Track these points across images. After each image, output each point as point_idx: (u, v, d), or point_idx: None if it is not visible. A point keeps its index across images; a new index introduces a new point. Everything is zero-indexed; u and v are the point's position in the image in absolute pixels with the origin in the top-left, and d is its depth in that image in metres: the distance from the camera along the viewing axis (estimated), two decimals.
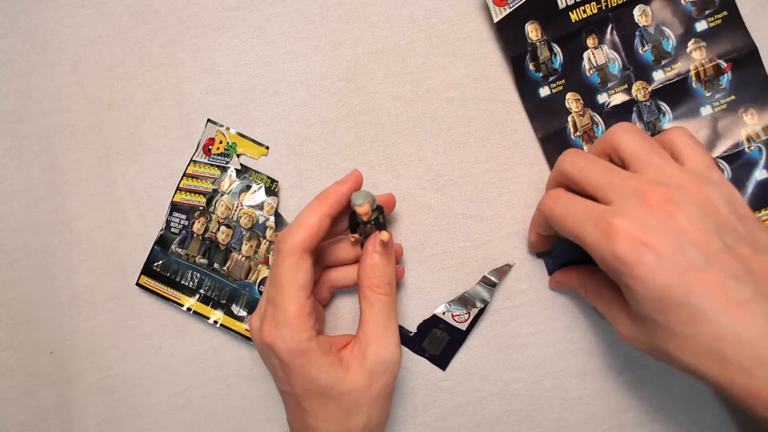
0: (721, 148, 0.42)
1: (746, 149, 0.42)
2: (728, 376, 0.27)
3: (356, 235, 0.37)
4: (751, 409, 0.27)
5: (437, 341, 0.43)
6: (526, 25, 0.43)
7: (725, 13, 0.42)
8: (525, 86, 0.43)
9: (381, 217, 0.36)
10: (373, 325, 0.35)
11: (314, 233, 0.33)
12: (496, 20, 0.43)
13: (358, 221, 0.36)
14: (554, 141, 0.43)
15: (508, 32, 0.43)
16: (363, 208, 0.34)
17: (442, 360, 0.43)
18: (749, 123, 0.42)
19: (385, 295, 0.35)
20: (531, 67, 0.43)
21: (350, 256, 0.40)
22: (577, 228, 0.30)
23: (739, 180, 0.42)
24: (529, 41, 0.43)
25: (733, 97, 0.42)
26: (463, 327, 0.43)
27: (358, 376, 0.34)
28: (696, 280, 0.27)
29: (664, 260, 0.27)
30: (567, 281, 0.40)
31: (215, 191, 0.44)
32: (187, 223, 0.44)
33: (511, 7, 0.43)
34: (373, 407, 0.34)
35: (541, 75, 0.43)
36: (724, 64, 0.42)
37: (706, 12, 0.42)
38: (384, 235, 0.35)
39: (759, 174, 0.42)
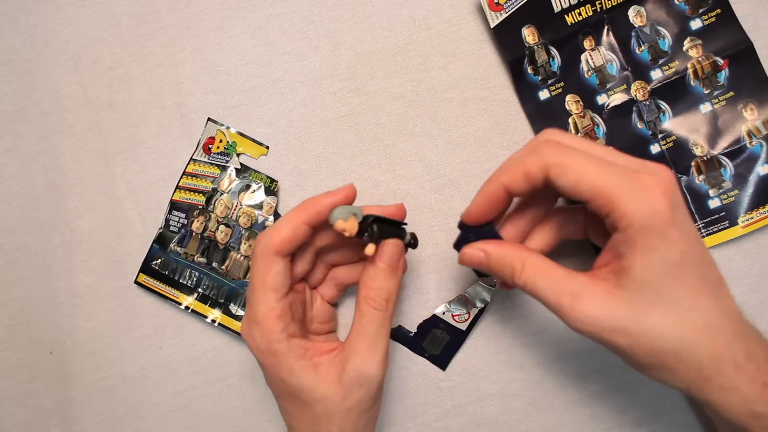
0: (723, 144, 0.42)
1: (747, 145, 0.42)
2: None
3: (371, 246, 0.33)
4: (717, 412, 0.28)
5: (437, 341, 0.43)
6: (523, 29, 0.43)
7: (719, 10, 0.42)
8: (524, 90, 0.44)
9: (374, 228, 0.32)
10: (359, 338, 0.34)
11: (288, 238, 0.33)
12: (492, 25, 0.43)
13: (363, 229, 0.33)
14: None
15: (505, 37, 0.43)
16: (337, 225, 0.31)
17: (442, 360, 0.43)
18: (749, 118, 0.42)
19: (378, 310, 0.34)
20: (529, 70, 0.43)
21: (356, 254, 0.39)
22: (605, 177, 0.28)
23: (741, 176, 0.42)
24: (527, 45, 0.43)
25: (731, 93, 0.42)
26: (463, 327, 0.43)
27: (331, 385, 0.33)
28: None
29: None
30: (497, 254, 0.32)
31: (215, 190, 0.44)
32: (186, 221, 0.44)
33: (507, 12, 0.43)
34: (347, 420, 0.33)
35: (539, 78, 0.43)
36: (720, 61, 0.42)
37: (700, 10, 0.42)
38: (368, 249, 0.32)
39: (762, 169, 0.42)
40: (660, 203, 0.27)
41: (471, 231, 0.34)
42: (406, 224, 0.35)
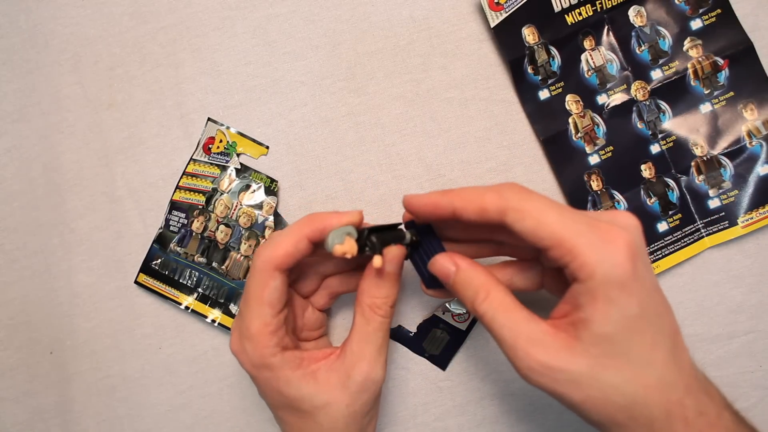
0: (722, 144, 0.42)
1: (747, 145, 0.42)
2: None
3: (378, 257, 0.32)
4: None
5: (437, 341, 0.43)
6: (523, 28, 0.43)
7: (719, 11, 0.42)
8: (524, 89, 0.44)
9: (373, 240, 0.32)
10: (365, 345, 0.33)
11: (288, 253, 0.32)
12: (492, 25, 0.43)
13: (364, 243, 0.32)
14: (556, 143, 0.43)
15: (505, 36, 0.43)
16: (336, 251, 0.30)
17: (442, 360, 0.43)
18: (749, 118, 0.42)
19: (385, 317, 0.34)
20: (529, 70, 0.43)
21: (350, 263, 0.38)
22: (566, 226, 0.28)
23: (741, 176, 0.42)
24: (527, 45, 0.43)
25: (731, 93, 0.42)
26: (463, 327, 0.43)
27: (335, 392, 0.33)
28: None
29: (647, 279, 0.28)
30: (466, 273, 0.32)
31: (215, 190, 0.44)
32: (186, 221, 0.44)
33: (507, 12, 0.43)
34: (352, 424, 0.33)
35: (540, 78, 0.43)
36: (721, 61, 0.42)
37: (700, 10, 0.42)
38: (377, 261, 0.32)
39: (761, 169, 0.42)
40: (621, 255, 0.27)
41: (423, 241, 0.34)
42: (400, 224, 0.35)
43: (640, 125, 0.43)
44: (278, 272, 0.32)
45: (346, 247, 0.30)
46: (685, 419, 0.27)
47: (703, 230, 0.42)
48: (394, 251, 0.33)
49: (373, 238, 0.32)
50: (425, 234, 0.35)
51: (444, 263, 0.32)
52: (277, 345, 0.33)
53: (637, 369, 0.27)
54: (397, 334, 0.43)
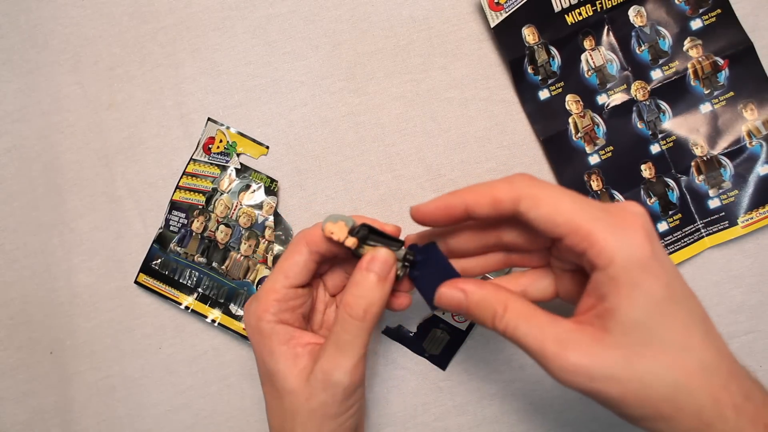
0: (722, 144, 0.42)
1: (747, 145, 0.42)
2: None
3: (354, 240, 0.32)
4: None
5: (437, 341, 0.43)
6: (523, 28, 0.43)
7: (719, 11, 0.42)
8: (524, 89, 0.44)
9: (359, 230, 0.32)
10: (330, 341, 0.32)
11: (328, 247, 0.33)
12: (492, 25, 0.43)
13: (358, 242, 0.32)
14: (556, 143, 0.43)
15: (505, 36, 0.43)
16: (326, 228, 0.31)
17: (442, 360, 0.43)
18: (749, 118, 0.42)
19: (354, 318, 0.31)
20: (529, 70, 0.43)
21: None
22: (580, 212, 0.27)
23: (741, 176, 0.42)
24: (527, 45, 0.43)
25: (731, 93, 0.42)
26: (463, 327, 0.43)
27: (300, 381, 0.32)
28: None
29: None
30: (477, 295, 0.30)
31: (215, 190, 0.44)
32: (186, 221, 0.44)
33: (507, 12, 0.43)
34: (309, 423, 0.32)
35: (539, 78, 0.43)
36: (721, 61, 0.42)
37: (700, 10, 0.42)
38: (350, 241, 0.31)
39: (761, 169, 0.42)
40: (639, 236, 0.26)
41: (427, 261, 0.33)
42: (402, 242, 0.33)
43: (640, 125, 0.43)
44: (306, 248, 0.33)
45: (335, 228, 0.31)
46: (734, 405, 0.26)
47: (703, 230, 0.42)
48: (381, 252, 0.32)
49: (363, 231, 0.32)
50: (429, 254, 0.33)
51: (450, 294, 0.31)
52: (275, 314, 0.33)
53: (674, 354, 0.26)
54: (397, 334, 0.43)
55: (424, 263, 0.33)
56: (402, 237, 0.34)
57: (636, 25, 0.43)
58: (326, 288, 0.37)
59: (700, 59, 0.42)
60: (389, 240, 0.33)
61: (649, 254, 0.26)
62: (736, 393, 0.26)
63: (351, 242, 0.31)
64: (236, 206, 0.44)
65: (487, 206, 0.29)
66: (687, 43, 0.43)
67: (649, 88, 0.43)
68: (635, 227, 0.26)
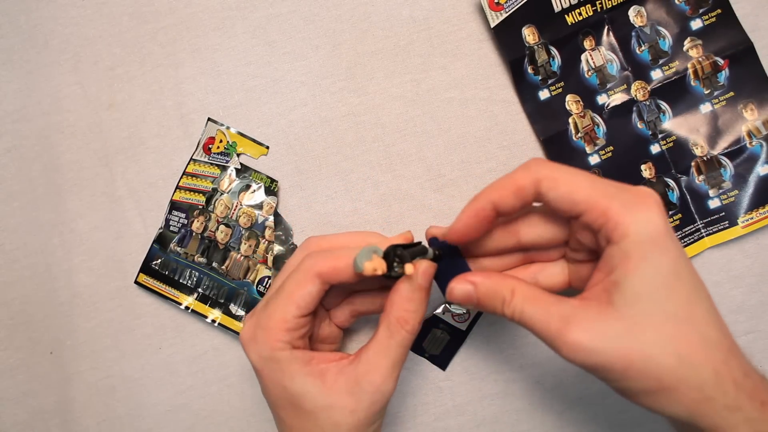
0: (723, 144, 0.42)
1: (747, 145, 0.42)
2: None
3: (410, 265, 0.31)
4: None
5: (437, 341, 0.43)
6: (523, 29, 0.43)
7: (719, 11, 0.42)
8: (524, 89, 0.44)
9: (398, 252, 0.31)
10: (383, 357, 0.32)
11: (337, 269, 0.32)
12: (492, 25, 0.43)
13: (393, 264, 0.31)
14: (556, 143, 0.43)
15: (505, 36, 0.43)
16: (367, 269, 0.30)
17: (442, 360, 0.43)
18: (749, 118, 0.42)
19: (410, 333, 0.33)
20: (530, 70, 0.43)
21: (377, 282, 0.37)
22: (598, 189, 0.28)
23: (741, 176, 0.42)
24: (527, 45, 0.43)
25: (731, 93, 0.42)
26: (463, 327, 0.43)
27: (341, 395, 0.32)
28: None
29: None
30: (486, 285, 0.31)
31: (215, 190, 0.44)
32: (186, 221, 0.44)
33: (507, 12, 0.43)
34: None
35: (540, 78, 0.43)
36: (721, 61, 0.42)
37: (701, 10, 0.42)
38: (408, 268, 0.31)
39: (762, 169, 0.42)
40: (653, 212, 0.27)
41: (446, 262, 0.34)
42: (420, 244, 0.34)
43: (640, 125, 0.43)
44: (319, 280, 0.32)
45: (375, 263, 0.30)
46: (734, 380, 0.26)
47: (703, 230, 0.42)
48: (425, 265, 0.32)
49: (399, 251, 0.31)
50: (447, 250, 0.34)
51: (461, 287, 0.32)
52: (288, 342, 0.33)
53: (678, 326, 0.26)
54: None
55: (442, 258, 0.34)
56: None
57: (636, 25, 0.43)
58: (322, 303, 0.37)
59: (700, 59, 0.42)
60: (413, 248, 0.33)
61: (661, 228, 0.27)
62: (736, 369, 0.26)
63: (384, 267, 0.31)
64: (236, 206, 0.44)
65: (512, 197, 0.30)
66: (687, 43, 0.43)
67: (649, 88, 0.43)
68: (649, 203, 0.27)
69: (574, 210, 0.28)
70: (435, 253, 0.33)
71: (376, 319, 0.35)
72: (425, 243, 0.35)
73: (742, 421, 0.26)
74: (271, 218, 0.44)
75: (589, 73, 0.43)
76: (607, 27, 0.43)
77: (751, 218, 0.42)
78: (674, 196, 0.42)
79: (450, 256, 0.34)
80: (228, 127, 0.45)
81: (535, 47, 0.43)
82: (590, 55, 0.43)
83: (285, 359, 0.32)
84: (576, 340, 0.27)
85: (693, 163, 0.42)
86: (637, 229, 0.27)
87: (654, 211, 0.27)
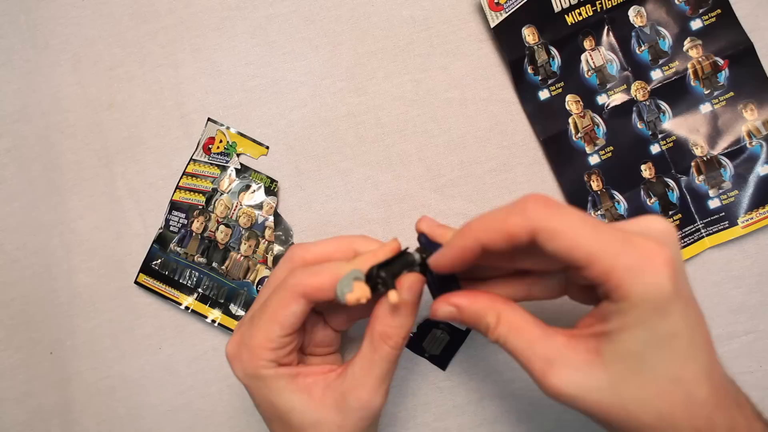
0: (722, 145, 0.42)
1: (747, 145, 0.42)
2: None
3: (393, 292, 0.30)
4: None
5: (437, 341, 0.43)
6: (523, 29, 0.43)
7: (719, 11, 0.42)
8: (524, 89, 0.44)
9: (382, 275, 0.30)
10: (368, 372, 0.32)
11: (322, 287, 0.31)
12: (492, 25, 0.43)
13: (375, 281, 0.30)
14: (556, 143, 0.43)
15: (505, 36, 0.43)
16: (350, 300, 0.29)
17: (442, 360, 0.43)
18: (749, 118, 0.42)
19: (394, 348, 0.31)
20: (530, 70, 0.43)
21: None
22: (601, 244, 0.26)
23: (741, 176, 0.42)
24: (527, 45, 0.43)
25: (731, 93, 0.42)
26: (463, 327, 0.43)
27: (329, 411, 0.32)
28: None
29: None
30: (470, 309, 0.30)
31: (215, 190, 0.44)
32: (186, 221, 0.44)
33: (507, 12, 0.43)
34: None
35: (540, 78, 0.43)
36: (721, 61, 0.42)
37: (700, 10, 0.42)
38: (392, 296, 0.29)
39: (761, 169, 0.42)
40: (661, 276, 0.25)
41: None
42: (407, 249, 0.32)
43: (640, 125, 0.43)
44: (304, 300, 0.31)
45: (357, 293, 0.29)
46: None
47: (703, 230, 0.42)
48: (411, 278, 0.31)
49: (382, 273, 0.30)
50: (435, 249, 0.32)
51: (444, 309, 0.31)
52: (273, 360, 0.32)
53: (662, 386, 0.26)
54: None
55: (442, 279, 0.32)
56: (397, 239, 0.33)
57: (636, 25, 0.43)
58: (316, 309, 0.36)
59: (700, 59, 0.42)
60: (397, 261, 0.31)
61: (667, 294, 0.25)
62: (720, 425, 0.26)
63: (368, 293, 0.29)
64: (236, 206, 0.44)
65: (503, 243, 0.28)
66: (687, 44, 0.43)
67: (649, 89, 0.43)
68: (657, 264, 0.25)
69: (573, 264, 0.26)
70: (422, 257, 0.32)
71: None
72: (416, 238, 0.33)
73: None
74: (271, 218, 0.44)
75: (589, 73, 0.43)
76: (607, 27, 0.43)
77: (751, 218, 0.42)
78: (674, 196, 0.42)
79: (434, 251, 0.32)
80: (228, 127, 0.45)
81: (535, 47, 0.43)
82: (590, 55, 0.43)
83: (270, 377, 0.32)
84: (557, 386, 0.26)
85: (693, 163, 0.42)
86: (640, 294, 0.25)
87: (662, 274, 0.25)
